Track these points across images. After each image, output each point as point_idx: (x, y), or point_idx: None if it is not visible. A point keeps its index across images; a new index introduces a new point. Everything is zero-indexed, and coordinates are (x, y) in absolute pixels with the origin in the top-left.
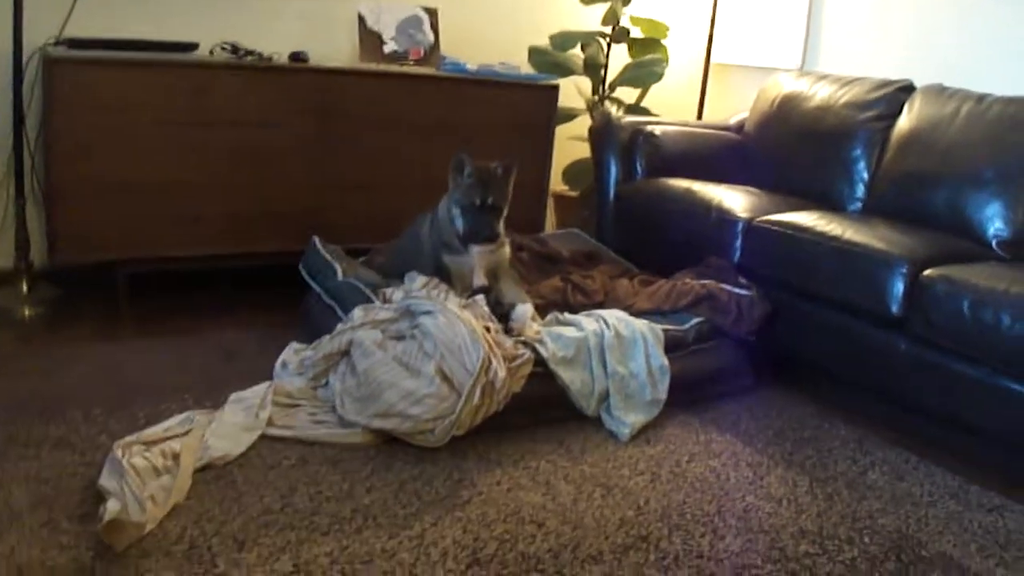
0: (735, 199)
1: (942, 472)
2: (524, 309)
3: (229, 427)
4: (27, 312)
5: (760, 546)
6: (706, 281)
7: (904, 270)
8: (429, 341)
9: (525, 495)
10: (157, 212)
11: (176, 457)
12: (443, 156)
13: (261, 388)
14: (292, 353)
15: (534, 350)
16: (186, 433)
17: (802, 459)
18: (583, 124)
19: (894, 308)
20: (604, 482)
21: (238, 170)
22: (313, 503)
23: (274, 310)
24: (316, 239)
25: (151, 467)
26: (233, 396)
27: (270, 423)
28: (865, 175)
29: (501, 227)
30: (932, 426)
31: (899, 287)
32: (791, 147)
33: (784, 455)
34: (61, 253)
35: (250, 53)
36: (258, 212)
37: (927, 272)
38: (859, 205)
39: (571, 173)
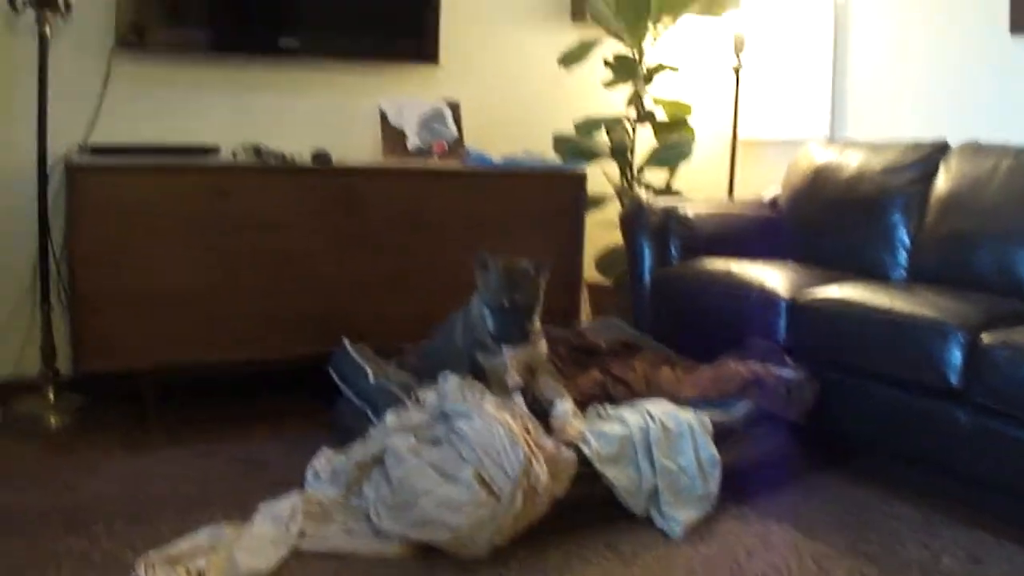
0: (776, 277)
1: (1021, 551)
2: (564, 407)
3: (258, 541)
4: (53, 421)
5: None
6: (752, 365)
7: (960, 337)
8: (466, 445)
9: None
10: (183, 318)
11: (202, 575)
12: (472, 251)
13: (292, 498)
14: (324, 461)
15: (577, 450)
16: (213, 548)
17: (869, 547)
18: (613, 210)
19: (952, 378)
20: None
21: (264, 273)
22: None
23: (304, 415)
24: (346, 340)
25: None
26: (262, 507)
27: (301, 535)
28: (906, 241)
29: (535, 325)
30: (1003, 501)
31: (956, 356)
32: (827, 219)
33: (849, 544)
34: (87, 361)
35: (272, 154)
36: (285, 315)
37: (985, 338)
38: (902, 272)
39: (604, 261)
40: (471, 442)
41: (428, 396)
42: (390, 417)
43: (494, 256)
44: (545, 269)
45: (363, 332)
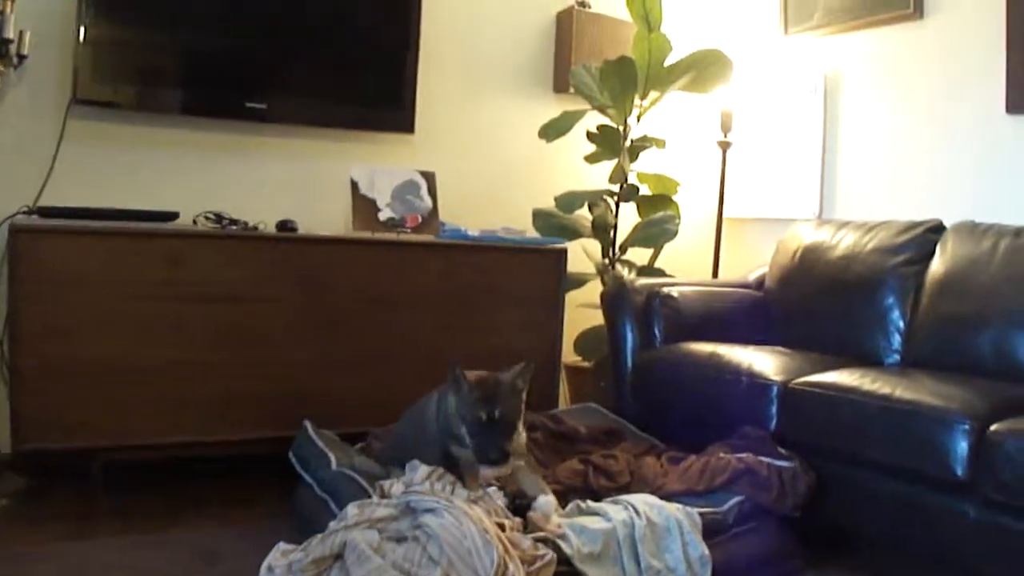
0: (766, 361)
1: None
2: (547, 501)
3: None
4: None
5: None
6: (742, 454)
7: (967, 427)
8: (434, 544)
9: None
10: (133, 395)
11: None
12: (445, 330)
13: None
14: (279, 555)
15: (556, 547)
16: None
17: None
18: (594, 290)
19: (959, 471)
20: None
21: (222, 349)
22: None
23: (263, 503)
24: (308, 424)
25: None
26: None
27: None
28: (901, 324)
29: (516, 442)
30: None
31: (963, 447)
32: (817, 300)
33: None
34: (27, 439)
35: (235, 222)
36: (245, 395)
37: (994, 428)
38: (896, 357)
39: (583, 342)
40: (440, 540)
41: (394, 487)
42: (352, 509)
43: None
44: (526, 376)
45: (327, 415)
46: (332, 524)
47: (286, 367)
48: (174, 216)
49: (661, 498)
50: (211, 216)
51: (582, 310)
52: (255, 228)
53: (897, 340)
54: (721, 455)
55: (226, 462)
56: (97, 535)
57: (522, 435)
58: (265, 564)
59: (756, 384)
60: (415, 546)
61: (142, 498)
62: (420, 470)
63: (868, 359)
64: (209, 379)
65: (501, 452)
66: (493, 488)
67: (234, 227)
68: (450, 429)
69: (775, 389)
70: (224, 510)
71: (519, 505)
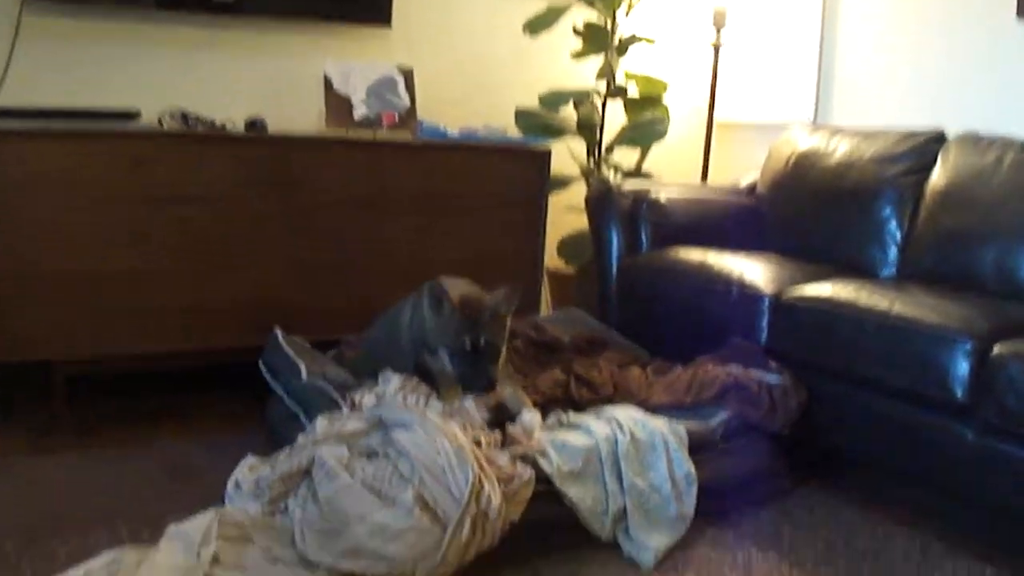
0: (757, 271)
1: None
2: (532, 418)
3: (163, 572)
4: None
5: None
6: (731, 368)
7: (968, 347)
8: (405, 461)
9: None
10: (97, 304)
11: None
12: (422, 233)
13: (205, 518)
14: (247, 470)
15: (535, 464)
16: None
17: None
18: (578, 192)
19: (959, 393)
20: None
21: (189, 254)
22: None
23: (234, 416)
24: (278, 331)
25: None
26: (170, 530)
27: (215, 563)
28: (897, 236)
29: (499, 368)
30: (1008, 527)
31: (964, 368)
32: (811, 209)
33: None
34: None
35: (200, 121)
36: (213, 302)
37: (997, 349)
38: (892, 270)
39: (567, 247)
40: (411, 457)
41: (365, 398)
42: (321, 422)
43: (446, 288)
44: (513, 301)
45: (300, 322)
46: (300, 438)
47: (256, 273)
48: (136, 115)
49: (646, 411)
50: (176, 115)
51: (566, 213)
52: (223, 127)
53: (893, 253)
54: (709, 367)
55: (195, 374)
56: (58, 451)
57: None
58: (232, 480)
59: (747, 295)
60: (385, 463)
61: (107, 412)
62: (393, 381)
63: (863, 271)
64: (175, 286)
65: (487, 380)
66: (469, 401)
67: (200, 127)
68: (425, 341)
69: (767, 301)
70: (194, 424)
71: (499, 420)
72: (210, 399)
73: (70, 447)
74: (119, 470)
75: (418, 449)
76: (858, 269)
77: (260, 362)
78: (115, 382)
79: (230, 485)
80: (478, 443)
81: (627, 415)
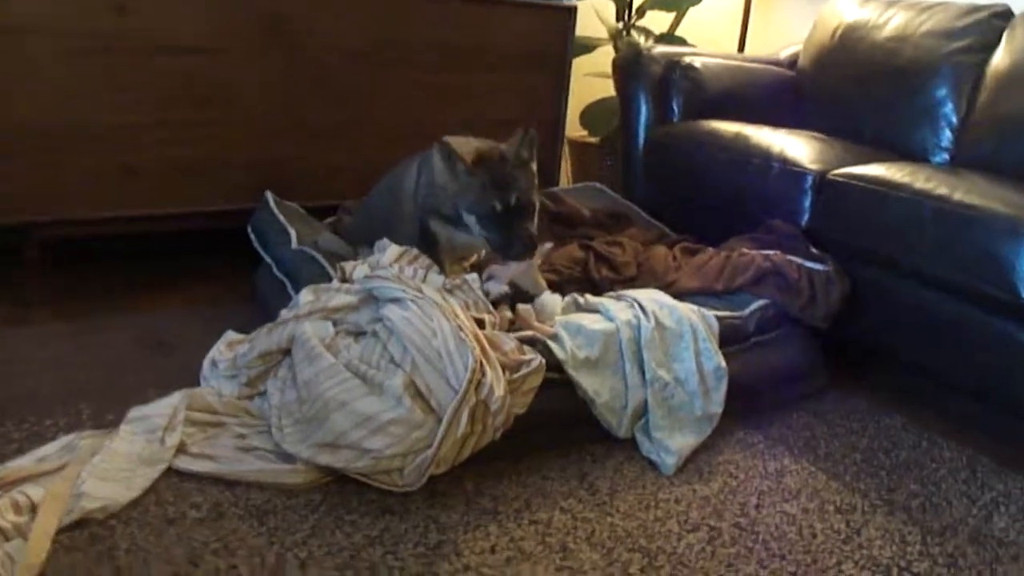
0: (801, 147)
1: None
2: (552, 301)
3: (120, 460)
4: None
5: None
6: (769, 252)
7: None
8: (397, 342)
9: (531, 569)
10: (74, 163)
11: (36, 509)
12: (434, 92)
13: (172, 400)
14: (225, 347)
15: (545, 350)
16: (61, 469)
17: (905, 498)
18: (605, 57)
19: (1023, 291)
20: (644, 545)
21: (174, 109)
22: None
23: (222, 286)
24: (268, 195)
25: None
26: (132, 413)
27: (181, 451)
28: (953, 120)
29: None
30: None
31: None
32: (857, 87)
33: (881, 492)
34: None
35: None
36: (201, 162)
37: None
38: (945, 157)
39: (591, 115)
40: (403, 338)
41: (357, 270)
42: (305, 295)
43: (451, 144)
44: (531, 145)
45: (295, 186)
46: (283, 312)
47: (250, 131)
48: None
49: (672, 296)
50: None
51: (590, 79)
52: None
53: (947, 137)
54: (744, 251)
55: (181, 240)
56: (32, 323)
57: None
58: (208, 358)
59: (789, 172)
60: (374, 343)
61: (85, 281)
62: (389, 250)
63: (912, 156)
64: (160, 144)
65: (528, 241)
66: (473, 276)
67: None
68: (432, 203)
69: (810, 179)
70: (177, 294)
71: (511, 302)
72: (197, 268)
73: (44, 320)
74: (94, 344)
75: (411, 329)
76: (907, 154)
77: (249, 228)
78: (99, 249)
79: (206, 363)
80: (481, 324)
81: (652, 299)
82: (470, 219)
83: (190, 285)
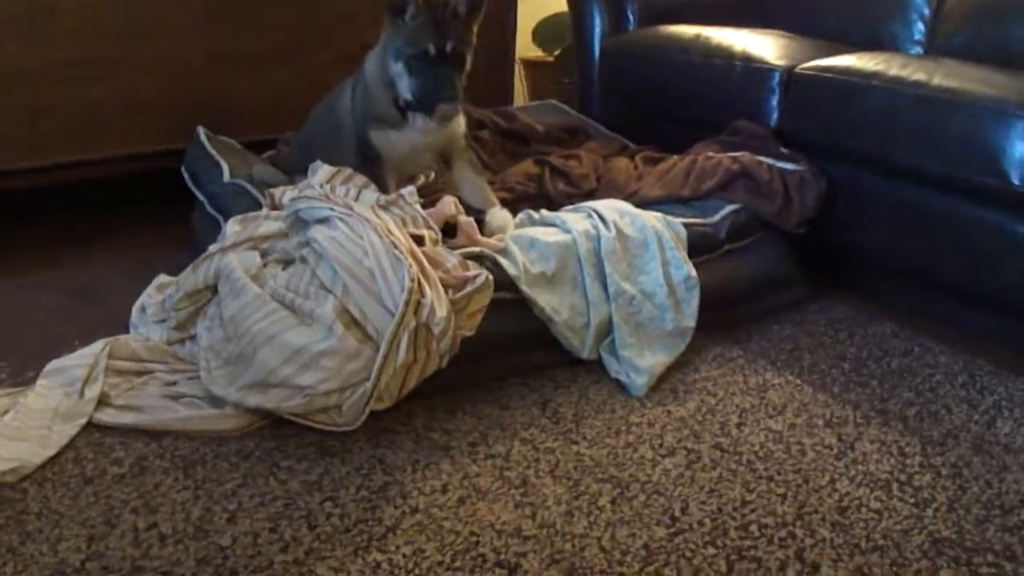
0: (764, 44)
1: None
2: (501, 215)
3: (35, 417)
4: None
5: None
6: (738, 154)
7: None
8: (326, 265)
9: (488, 508)
10: None
11: None
12: (366, 12)
13: (92, 349)
14: (154, 291)
15: (495, 265)
16: None
17: (900, 407)
18: None
19: (1015, 179)
20: (614, 475)
21: (92, 44)
22: (139, 548)
23: (156, 232)
24: (200, 130)
25: None
26: (50, 366)
27: (103, 403)
28: (925, 10)
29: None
30: None
31: (1022, 149)
32: None
33: (874, 403)
34: None
35: None
36: (129, 100)
37: None
38: (918, 50)
39: (543, 32)
40: (332, 260)
41: (286, 195)
42: (232, 226)
43: None
44: (480, 7)
45: (231, 121)
46: (211, 248)
47: (180, 64)
48: None
49: (635, 206)
50: None
51: None
52: None
53: (920, 29)
54: (710, 154)
55: (112, 185)
56: None
57: (461, 119)
58: (138, 303)
59: (753, 69)
60: (302, 269)
61: (17, 236)
62: (321, 171)
63: (881, 50)
64: (90, 82)
65: (452, 91)
66: (410, 190)
67: None
68: (368, 108)
69: (777, 76)
70: (109, 242)
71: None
72: (141, 216)
73: None
74: (21, 299)
75: (339, 249)
76: (877, 48)
77: (183, 167)
78: (21, 200)
79: (135, 310)
80: (420, 241)
81: (612, 208)
82: (397, 67)
83: (122, 234)
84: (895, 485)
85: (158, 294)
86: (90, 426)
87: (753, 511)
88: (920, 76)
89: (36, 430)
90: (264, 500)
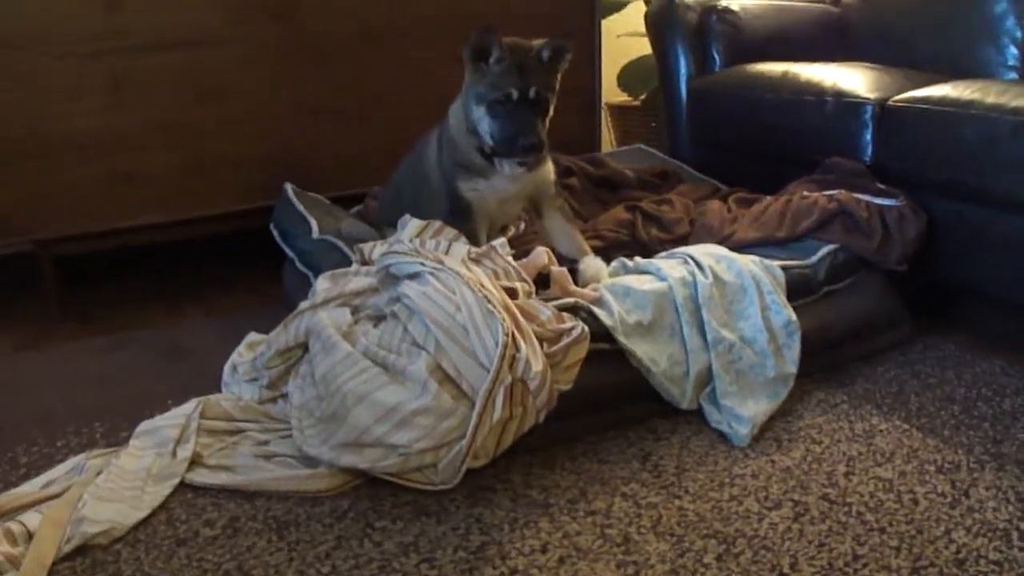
0: (854, 78)
1: None
2: (595, 264)
3: (127, 478)
4: None
5: None
6: (834, 192)
7: None
8: (417, 322)
9: (589, 568)
10: (79, 174)
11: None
12: (455, 65)
13: (184, 410)
14: (245, 349)
15: (591, 316)
16: (64, 493)
17: (1016, 449)
18: (636, 14)
19: None
20: (719, 530)
21: (178, 107)
22: None
23: (246, 289)
24: (288, 187)
25: None
26: (142, 426)
27: (196, 463)
28: (1018, 34)
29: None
30: None
31: None
32: (910, 12)
33: (987, 446)
34: None
35: None
36: (212, 161)
37: None
38: (1012, 75)
39: (628, 76)
40: (424, 316)
41: (376, 250)
42: (321, 283)
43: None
44: (564, 54)
45: (316, 177)
46: (302, 304)
47: (261, 123)
48: None
49: (730, 249)
50: None
51: (624, 40)
52: None
53: (1014, 54)
54: (805, 193)
55: (202, 245)
56: (51, 341)
57: (549, 165)
58: (229, 363)
59: (845, 104)
60: (394, 325)
61: (103, 299)
62: (410, 225)
63: (973, 77)
64: (168, 146)
65: (535, 136)
66: (501, 241)
67: None
68: (454, 158)
69: (870, 109)
70: (199, 300)
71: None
72: (228, 275)
73: (66, 339)
74: (115, 359)
75: (431, 305)
76: (970, 76)
77: (272, 224)
78: (114, 262)
79: (226, 369)
80: (513, 294)
81: (707, 253)
82: (479, 111)
83: (213, 293)
84: (1015, 534)
85: (249, 352)
86: (183, 487)
87: (865, 565)
88: (1019, 103)
89: (129, 491)
90: (359, 562)
